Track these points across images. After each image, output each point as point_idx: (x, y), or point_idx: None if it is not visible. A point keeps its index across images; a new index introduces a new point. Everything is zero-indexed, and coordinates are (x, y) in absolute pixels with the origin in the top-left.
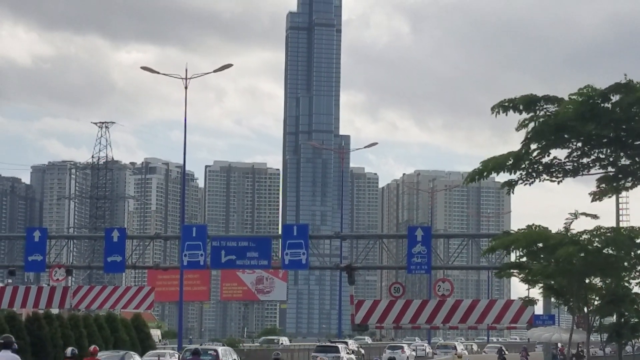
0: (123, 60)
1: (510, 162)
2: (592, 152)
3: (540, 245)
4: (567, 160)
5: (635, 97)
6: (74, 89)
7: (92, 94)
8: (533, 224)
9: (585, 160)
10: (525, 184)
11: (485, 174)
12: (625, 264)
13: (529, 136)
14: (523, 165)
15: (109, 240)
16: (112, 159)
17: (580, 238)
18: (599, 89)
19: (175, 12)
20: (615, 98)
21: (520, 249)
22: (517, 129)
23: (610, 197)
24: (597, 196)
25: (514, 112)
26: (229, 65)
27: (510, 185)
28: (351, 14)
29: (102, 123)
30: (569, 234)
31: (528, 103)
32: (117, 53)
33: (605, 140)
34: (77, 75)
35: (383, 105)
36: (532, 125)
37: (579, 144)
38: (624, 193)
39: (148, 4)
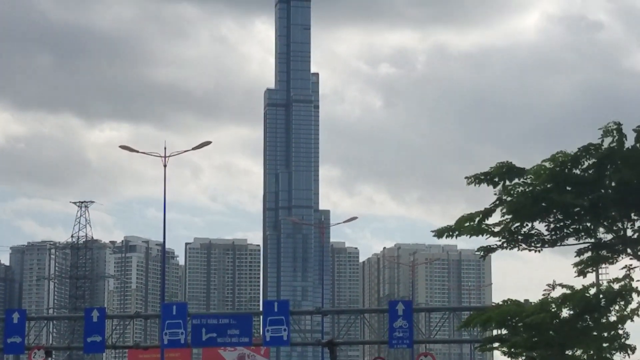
0: (97, 139)
1: (485, 225)
2: (570, 224)
3: (517, 319)
4: (545, 231)
5: (602, 155)
6: (48, 168)
7: (67, 173)
8: (508, 299)
9: (564, 232)
10: (504, 249)
11: (457, 233)
12: (605, 334)
13: (506, 210)
14: (501, 235)
15: (89, 320)
16: (92, 238)
17: (551, 306)
18: (570, 153)
19: (149, 89)
20: (587, 163)
21: (494, 326)
22: (496, 206)
23: (592, 272)
24: (580, 273)
25: (488, 186)
26: (207, 143)
27: (487, 250)
28: (325, 88)
29: (82, 202)
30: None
31: (502, 175)
32: (91, 131)
33: (582, 211)
34: (52, 155)
35: (359, 180)
36: (509, 198)
37: (557, 216)
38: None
39: (121, 82)
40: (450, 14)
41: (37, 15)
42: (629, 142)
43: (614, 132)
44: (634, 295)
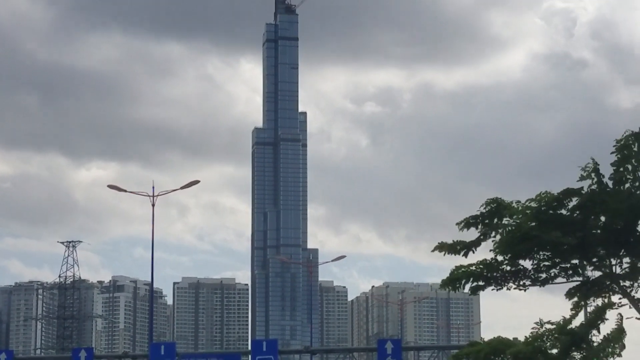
0: (84, 178)
1: (479, 271)
2: (558, 262)
3: (506, 352)
4: (533, 269)
5: (585, 198)
6: (34, 207)
7: (53, 212)
8: (498, 336)
9: (552, 271)
10: (493, 290)
11: (457, 284)
12: None
13: (495, 248)
14: (490, 275)
15: None
16: (80, 277)
17: (539, 341)
18: (554, 194)
19: (135, 128)
20: (570, 204)
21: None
22: (483, 240)
23: (581, 309)
24: (573, 313)
25: (476, 229)
26: (195, 182)
27: (477, 289)
28: (312, 127)
29: (69, 242)
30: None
31: (491, 214)
32: (77, 171)
33: (570, 249)
34: (38, 194)
35: (346, 218)
36: (497, 236)
37: (545, 254)
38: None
39: (108, 121)
40: (436, 52)
41: (23, 55)
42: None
43: (592, 173)
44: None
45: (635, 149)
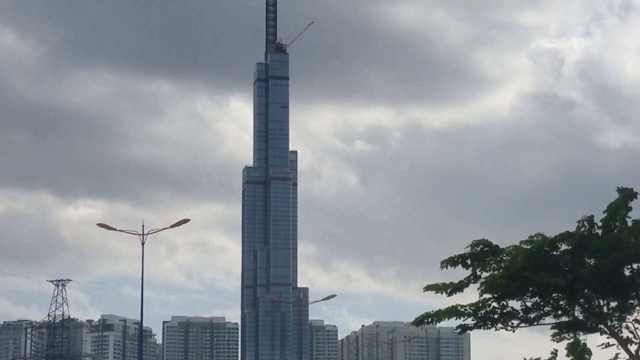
0: (72, 216)
1: (468, 311)
2: (546, 302)
3: None
4: (521, 310)
5: (575, 242)
6: (22, 246)
7: (42, 250)
8: None
9: (539, 311)
10: (480, 328)
11: (436, 319)
12: None
13: (481, 287)
14: (479, 315)
15: None
16: (69, 316)
17: None
18: (548, 237)
19: (123, 166)
20: (563, 247)
21: None
22: (472, 281)
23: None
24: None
25: (463, 268)
26: (185, 221)
27: (464, 328)
28: (301, 165)
29: (58, 281)
30: None
31: (477, 255)
32: (66, 209)
33: (558, 290)
34: (26, 232)
35: (336, 257)
36: (484, 274)
37: (533, 294)
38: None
39: (96, 160)
40: (425, 91)
41: (10, 93)
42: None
43: (586, 223)
44: None
45: (623, 202)
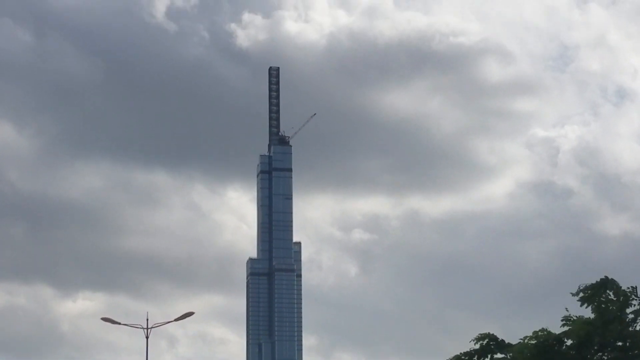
0: (70, 309)
1: None
2: None
3: None
4: None
5: (580, 339)
6: (21, 340)
7: (40, 344)
8: None
9: None
10: None
11: None
12: None
13: None
14: None
15: None
16: None
17: None
18: (553, 333)
19: (122, 258)
20: (569, 342)
21: None
22: None
23: None
24: None
25: None
26: (190, 314)
27: None
28: (303, 256)
29: None
30: None
31: (484, 350)
32: (64, 302)
33: None
34: (24, 326)
35: (337, 348)
36: None
37: None
38: None
39: (94, 252)
40: (422, 180)
41: (5, 185)
42: None
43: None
44: None
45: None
